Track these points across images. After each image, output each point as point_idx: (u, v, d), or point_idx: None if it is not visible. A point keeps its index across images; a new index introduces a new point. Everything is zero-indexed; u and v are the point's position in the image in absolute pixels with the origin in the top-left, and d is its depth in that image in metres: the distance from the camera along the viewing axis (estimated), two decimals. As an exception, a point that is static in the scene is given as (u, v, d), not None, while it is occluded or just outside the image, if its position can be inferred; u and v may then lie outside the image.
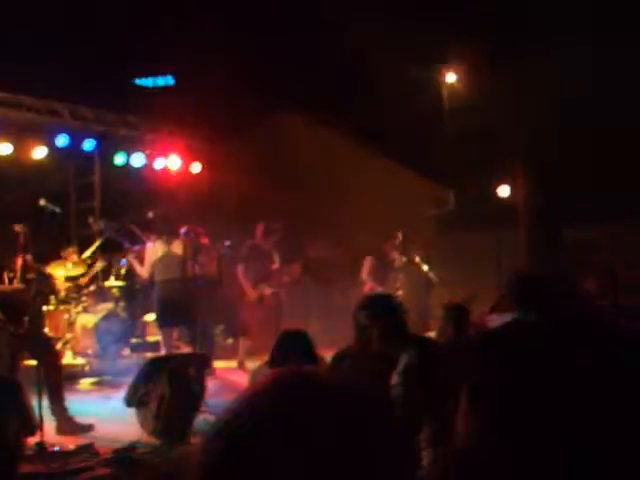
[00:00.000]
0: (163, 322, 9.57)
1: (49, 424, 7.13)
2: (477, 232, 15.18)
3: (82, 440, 7.05)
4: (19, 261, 7.49)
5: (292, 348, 4.88)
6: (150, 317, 11.19)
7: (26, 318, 7.22)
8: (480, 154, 15.62)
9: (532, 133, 15.20)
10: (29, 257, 7.65)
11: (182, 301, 9.53)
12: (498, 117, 15.59)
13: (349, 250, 13.22)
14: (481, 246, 14.51)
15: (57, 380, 7.68)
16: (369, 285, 11.29)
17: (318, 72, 16.34)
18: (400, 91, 15.56)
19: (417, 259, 11.71)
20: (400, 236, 11.64)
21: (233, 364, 11.19)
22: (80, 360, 10.58)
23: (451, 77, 18.19)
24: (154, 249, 9.72)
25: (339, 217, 14.23)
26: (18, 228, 7.47)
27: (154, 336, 11.11)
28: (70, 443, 6.93)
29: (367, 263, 11.49)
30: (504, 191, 15.77)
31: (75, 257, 10.83)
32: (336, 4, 14.85)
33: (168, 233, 9.77)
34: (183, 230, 10.16)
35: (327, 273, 12.81)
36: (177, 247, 9.68)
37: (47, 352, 7.67)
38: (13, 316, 7.14)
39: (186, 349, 9.90)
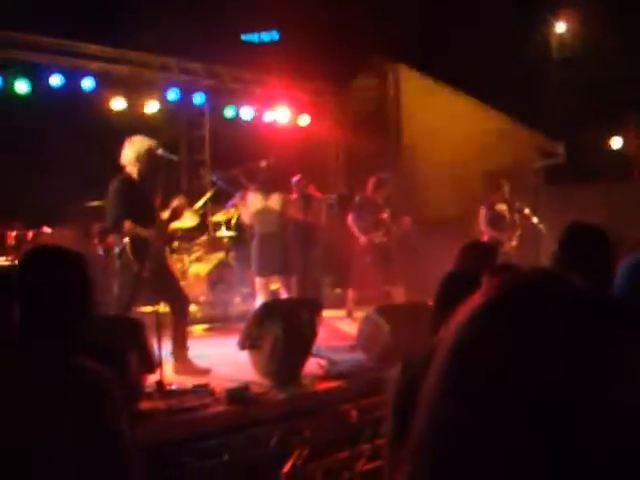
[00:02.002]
0: (259, 271, 9.69)
1: (168, 365, 7.40)
2: (587, 184, 14.85)
3: (198, 380, 7.28)
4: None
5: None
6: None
7: (153, 260, 7.49)
8: (591, 105, 15.24)
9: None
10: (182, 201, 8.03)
11: (278, 254, 9.63)
12: (609, 68, 15.17)
13: (459, 202, 13.12)
14: (592, 199, 14.19)
15: (183, 324, 7.97)
16: (488, 235, 11.13)
17: (422, 22, 16.17)
18: (508, 40, 15.28)
19: (527, 211, 11.56)
20: (506, 187, 11.48)
21: (341, 313, 11.32)
22: (193, 307, 10.88)
23: (560, 27, 17.77)
24: (253, 200, 9.79)
25: (445, 169, 14.11)
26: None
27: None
28: (187, 383, 7.16)
29: (482, 213, 11.35)
30: (616, 143, 15.35)
31: (194, 212, 11.09)
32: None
33: (271, 184, 9.83)
34: (295, 179, 10.30)
35: (439, 225, 12.70)
36: (275, 202, 9.70)
37: (176, 297, 7.94)
38: (139, 257, 7.40)
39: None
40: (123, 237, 7.47)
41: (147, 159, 7.75)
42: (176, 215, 8.12)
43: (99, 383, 2.50)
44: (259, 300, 9.30)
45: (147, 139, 7.88)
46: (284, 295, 9.62)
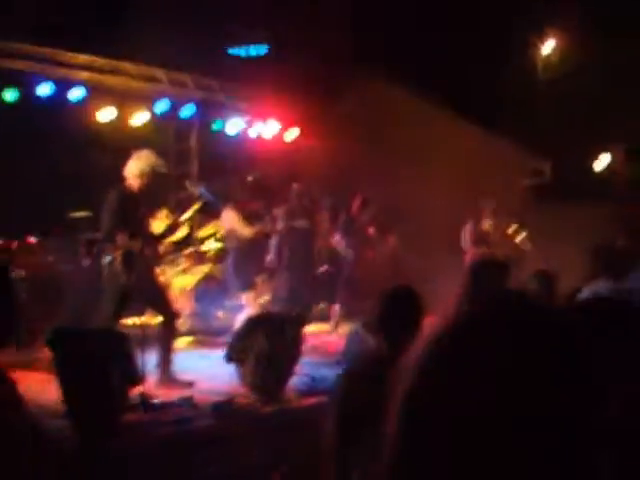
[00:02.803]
0: (242, 287, 9.67)
1: (151, 377, 7.38)
2: (573, 203, 14.92)
3: (182, 393, 7.26)
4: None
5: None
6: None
7: (137, 271, 7.48)
8: (577, 124, 15.33)
9: (631, 104, 14.83)
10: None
11: (253, 267, 9.66)
12: (595, 88, 15.27)
13: (443, 219, 13.15)
14: (577, 218, 14.24)
15: (170, 337, 7.96)
16: (471, 252, 11.15)
17: (410, 37, 16.25)
18: (495, 61, 15.38)
19: (511, 229, 11.61)
20: (491, 205, 11.54)
21: (326, 327, 11.32)
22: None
23: (546, 48, 17.91)
24: (227, 217, 9.76)
25: (432, 185, 14.14)
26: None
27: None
28: (171, 396, 7.14)
29: (467, 229, 11.38)
30: (602, 162, 15.45)
31: (167, 220, 11.06)
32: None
33: (260, 198, 9.84)
34: (294, 187, 10.40)
35: (423, 242, 12.73)
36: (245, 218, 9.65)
37: (165, 310, 7.95)
38: (127, 269, 7.40)
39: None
40: (115, 250, 7.45)
41: (150, 176, 7.81)
42: (172, 231, 8.17)
43: None
44: (246, 313, 9.29)
45: (153, 156, 7.93)
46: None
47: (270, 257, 10.64)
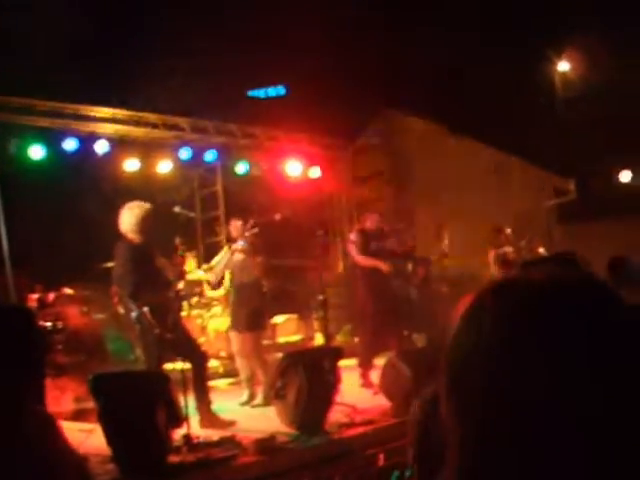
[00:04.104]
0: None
1: (193, 419, 7.44)
2: (599, 221, 14.89)
3: (224, 433, 7.31)
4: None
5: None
6: (279, 319, 11.49)
7: (169, 321, 7.55)
8: (600, 142, 15.34)
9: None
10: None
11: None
12: (615, 105, 15.30)
13: (466, 245, 13.19)
14: (605, 234, 14.21)
15: (203, 378, 8.02)
16: (499, 277, 11.14)
17: (426, 66, 16.37)
18: (513, 80, 15.46)
19: (541, 249, 11.62)
20: (507, 230, 11.58)
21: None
22: (214, 362, 10.93)
23: (564, 65, 17.97)
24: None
25: (459, 216, 14.19)
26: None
27: (284, 337, 11.41)
28: (213, 436, 7.19)
29: (491, 255, 11.40)
30: (625, 177, 15.43)
31: (193, 263, 11.14)
32: None
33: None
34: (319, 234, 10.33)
35: (455, 269, 12.74)
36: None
37: (194, 353, 8.00)
38: (159, 319, 7.45)
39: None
40: (140, 306, 7.50)
41: (147, 223, 7.84)
42: (180, 271, 8.24)
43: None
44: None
45: (143, 203, 7.96)
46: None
47: None
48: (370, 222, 10.45)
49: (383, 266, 10.07)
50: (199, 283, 11.47)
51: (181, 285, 8.41)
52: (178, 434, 6.72)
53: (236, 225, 9.50)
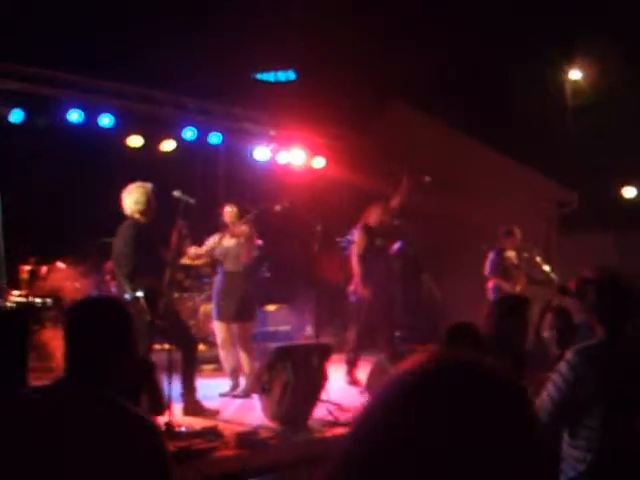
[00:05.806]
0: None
1: (176, 406, 7.39)
2: (600, 233, 14.85)
3: (207, 422, 7.26)
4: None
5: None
6: (272, 307, 11.43)
7: (161, 307, 7.47)
8: (605, 154, 15.28)
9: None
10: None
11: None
12: (623, 116, 15.24)
13: (468, 248, 13.12)
14: (603, 248, 14.17)
15: (191, 366, 7.96)
16: (493, 281, 11.08)
17: (438, 66, 16.30)
18: (522, 89, 15.38)
19: (538, 259, 11.52)
20: (518, 235, 11.46)
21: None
22: (202, 346, 10.84)
23: (575, 74, 17.88)
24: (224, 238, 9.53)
25: (456, 215, 14.12)
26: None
27: (275, 326, 11.36)
28: (195, 425, 7.14)
29: (490, 258, 11.31)
30: (630, 192, 15.36)
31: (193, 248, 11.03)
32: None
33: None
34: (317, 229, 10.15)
35: (453, 271, 12.70)
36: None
37: (184, 340, 7.95)
38: (151, 304, 7.39)
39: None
40: (134, 289, 7.42)
41: (148, 204, 7.79)
42: (180, 253, 8.19)
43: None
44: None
45: (143, 184, 7.90)
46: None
47: None
48: (374, 217, 10.34)
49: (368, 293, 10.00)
50: (195, 267, 11.40)
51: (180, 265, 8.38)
52: (160, 422, 6.67)
53: (228, 211, 9.41)
